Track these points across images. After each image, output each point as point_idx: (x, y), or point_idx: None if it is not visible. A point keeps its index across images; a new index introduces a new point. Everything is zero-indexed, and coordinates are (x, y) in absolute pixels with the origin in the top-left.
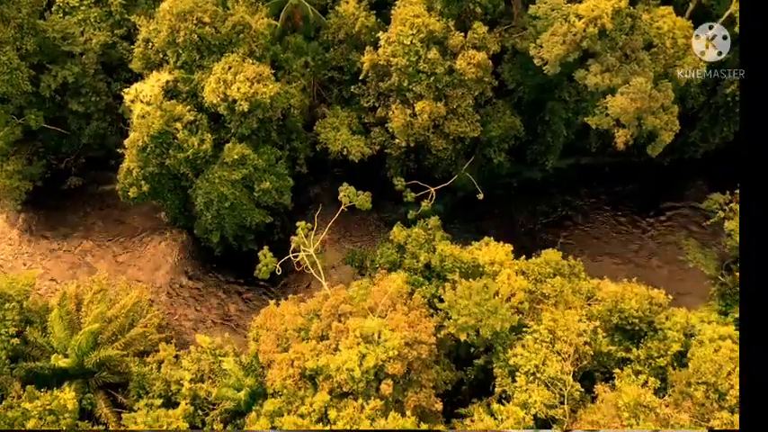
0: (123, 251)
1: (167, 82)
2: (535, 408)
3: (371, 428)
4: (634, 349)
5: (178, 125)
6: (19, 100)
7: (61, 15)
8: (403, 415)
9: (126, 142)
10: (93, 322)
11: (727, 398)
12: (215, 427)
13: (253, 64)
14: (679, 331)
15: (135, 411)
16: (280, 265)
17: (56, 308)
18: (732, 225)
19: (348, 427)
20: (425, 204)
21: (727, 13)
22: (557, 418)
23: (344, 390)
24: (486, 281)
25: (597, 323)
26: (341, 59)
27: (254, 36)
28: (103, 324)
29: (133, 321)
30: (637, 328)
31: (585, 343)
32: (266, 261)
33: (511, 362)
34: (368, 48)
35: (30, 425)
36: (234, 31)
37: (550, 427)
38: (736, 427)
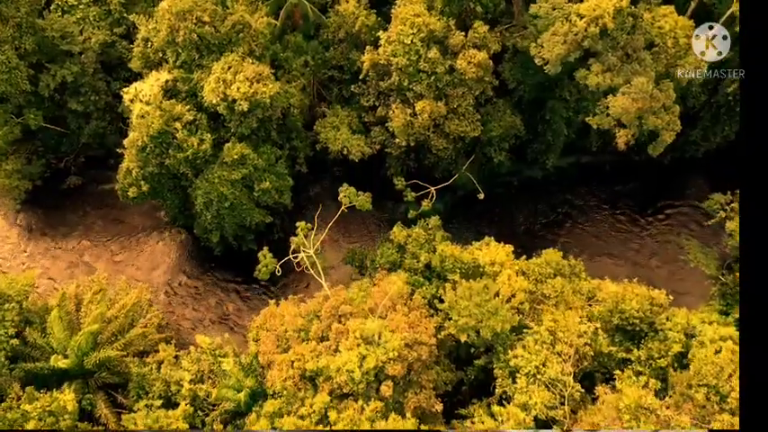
0: (122, 250)
1: (167, 81)
2: (536, 409)
3: (372, 429)
4: (635, 350)
5: (177, 125)
6: (18, 99)
7: (60, 14)
8: (403, 416)
9: (125, 142)
10: (92, 323)
11: (729, 400)
12: (215, 427)
13: (252, 63)
14: (680, 332)
15: (135, 412)
16: (279, 265)
17: (55, 308)
18: (733, 225)
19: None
20: (426, 204)
21: (728, 12)
22: (557, 419)
23: (345, 391)
24: (486, 281)
25: (598, 324)
26: (341, 58)
27: (253, 35)
28: (103, 324)
29: (133, 321)
30: (637, 328)
31: (586, 344)
32: (266, 262)
33: (511, 363)
34: (368, 47)
35: (29, 426)
36: (233, 31)
37: (551, 428)
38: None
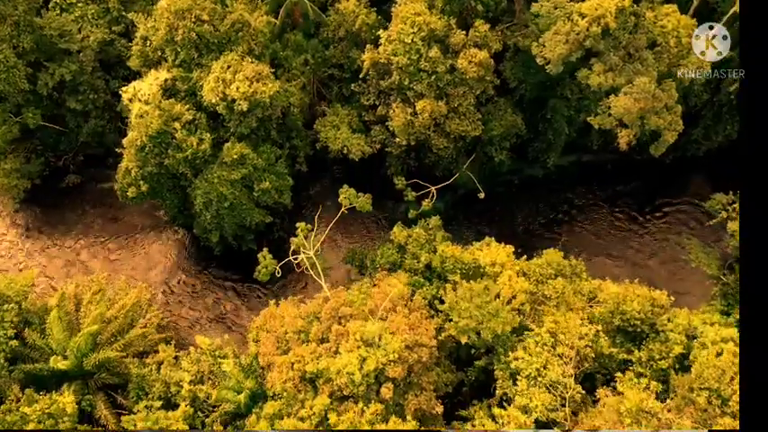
0: (121, 249)
1: (166, 80)
2: (536, 412)
3: (372, 429)
4: (636, 351)
5: (177, 125)
6: (16, 98)
7: (58, 12)
8: (403, 419)
9: (124, 142)
10: (92, 323)
11: (730, 403)
12: (215, 429)
13: (252, 62)
14: (681, 333)
15: (135, 413)
16: (278, 264)
17: (55, 309)
18: (735, 226)
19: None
20: (426, 203)
21: (731, 11)
22: (557, 420)
23: (345, 393)
24: (487, 282)
25: (599, 326)
26: (341, 57)
27: (253, 34)
28: (103, 325)
29: (132, 321)
30: (638, 329)
31: (587, 345)
32: (266, 263)
33: (512, 365)
34: (368, 45)
35: (29, 428)
36: (233, 29)
37: (551, 429)
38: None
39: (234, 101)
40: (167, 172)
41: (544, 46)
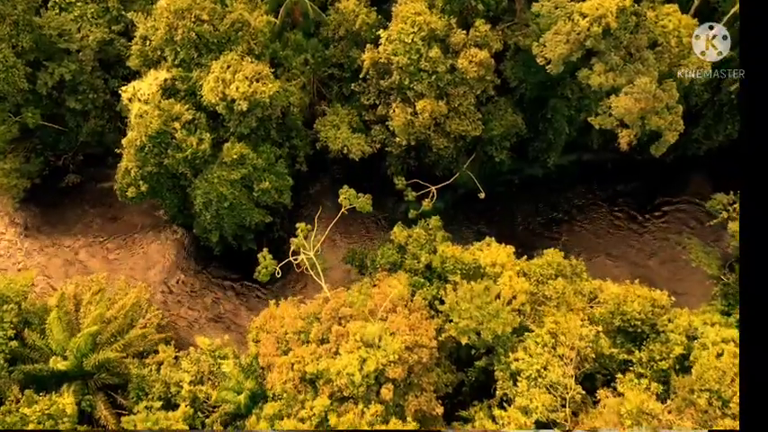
0: (120, 249)
1: (165, 80)
2: (537, 413)
3: (372, 430)
4: (636, 352)
5: (176, 125)
6: (16, 97)
7: (57, 12)
8: (404, 420)
9: (124, 142)
10: (92, 324)
11: (731, 405)
12: (215, 429)
13: (252, 62)
14: (681, 334)
15: (135, 414)
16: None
17: (54, 309)
18: (736, 226)
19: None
20: (426, 204)
21: (732, 11)
22: (558, 421)
23: (345, 394)
24: (487, 283)
25: (600, 327)
26: (341, 56)
27: (252, 34)
28: (102, 325)
29: (132, 322)
30: (639, 330)
31: (587, 346)
32: (266, 263)
33: (513, 366)
34: (368, 45)
35: (28, 429)
36: (232, 29)
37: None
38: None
39: (234, 101)
40: (167, 172)
41: (545, 46)
